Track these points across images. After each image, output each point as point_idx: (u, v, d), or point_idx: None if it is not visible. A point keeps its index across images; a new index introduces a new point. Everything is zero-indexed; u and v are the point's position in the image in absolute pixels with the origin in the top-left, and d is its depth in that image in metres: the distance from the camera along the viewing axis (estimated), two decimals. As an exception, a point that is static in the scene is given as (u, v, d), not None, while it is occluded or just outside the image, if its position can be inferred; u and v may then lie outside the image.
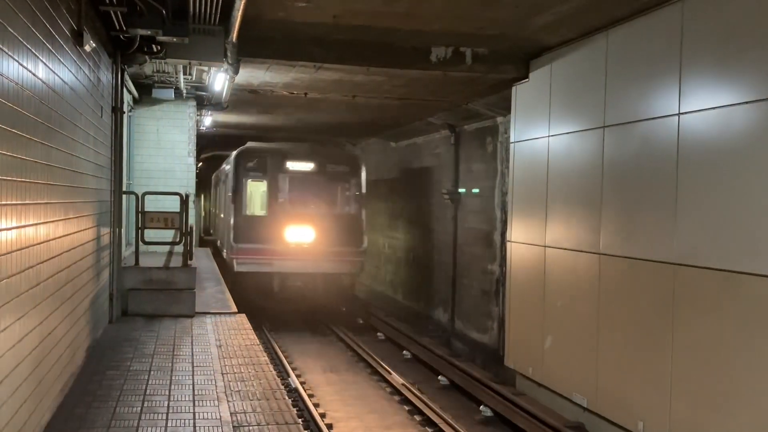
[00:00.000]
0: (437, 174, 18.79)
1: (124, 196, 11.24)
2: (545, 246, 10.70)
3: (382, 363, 13.48)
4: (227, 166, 20.16)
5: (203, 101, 15.70)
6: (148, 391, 6.97)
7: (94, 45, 7.56)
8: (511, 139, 12.02)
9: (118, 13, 8.02)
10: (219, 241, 23.67)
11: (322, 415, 10.28)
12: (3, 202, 4.46)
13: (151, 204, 11.83)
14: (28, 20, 5.05)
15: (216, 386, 7.21)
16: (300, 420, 6.42)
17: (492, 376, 12.40)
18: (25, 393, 5.16)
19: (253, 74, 12.31)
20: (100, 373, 7.61)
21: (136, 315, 10.85)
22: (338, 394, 11.98)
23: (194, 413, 6.33)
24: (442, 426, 10.05)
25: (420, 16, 9.37)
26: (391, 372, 12.78)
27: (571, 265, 9.98)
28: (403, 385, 11.99)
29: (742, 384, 6.87)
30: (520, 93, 11.75)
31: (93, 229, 8.40)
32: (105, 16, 8.26)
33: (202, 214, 39.42)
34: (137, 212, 11.48)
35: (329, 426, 9.89)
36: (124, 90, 11.22)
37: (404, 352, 15.04)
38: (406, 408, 11.20)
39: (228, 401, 6.72)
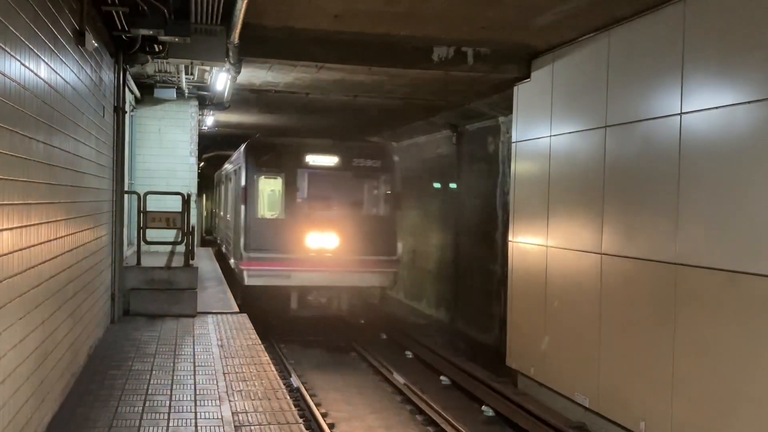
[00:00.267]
0: (438, 173, 18.80)
1: (126, 196, 11.25)
2: (547, 246, 10.70)
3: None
4: (235, 162, 17.84)
5: (205, 101, 15.71)
6: (149, 391, 6.97)
7: (96, 45, 7.56)
8: (513, 139, 12.02)
9: (120, 12, 8.03)
10: (223, 246, 21.50)
11: (324, 415, 10.27)
12: (5, 202, 4.46)
13: (153, 204, 11.83)
14: (31, 20, 5.06)
15: (218, 386, 7.22)
16: (301, 420, 6.41)
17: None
18: (27, 392, 5.16)
19: (254, 74, 12.32)
20: (102, 372, 7.61)
21: (138, 315, 10.86)
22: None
23: (196, 413, 6.33)
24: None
25: (421, 16, 9.37)
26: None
27: (572, 265, 9.98)
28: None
29: (744, 384, 6.86)
30: (521, 93, 11.75)
31: (95, 228, 8.41)
32: (107, 16, 8.27)
33: (204, 213, 39.46)
34: (139, 212, 11.49)
35: (331, 426, 9.89)
36: (126, 90, 11.22)
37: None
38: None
39: (230, 401, 6.72)
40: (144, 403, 6.57)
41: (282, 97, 14.60)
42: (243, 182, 15.15)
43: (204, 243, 30.42)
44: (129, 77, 11.84)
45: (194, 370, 7.81)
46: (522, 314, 11.52)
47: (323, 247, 14.75)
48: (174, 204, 12.03)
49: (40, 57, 5.38)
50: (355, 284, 14.99)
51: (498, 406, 10.81)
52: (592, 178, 9.54)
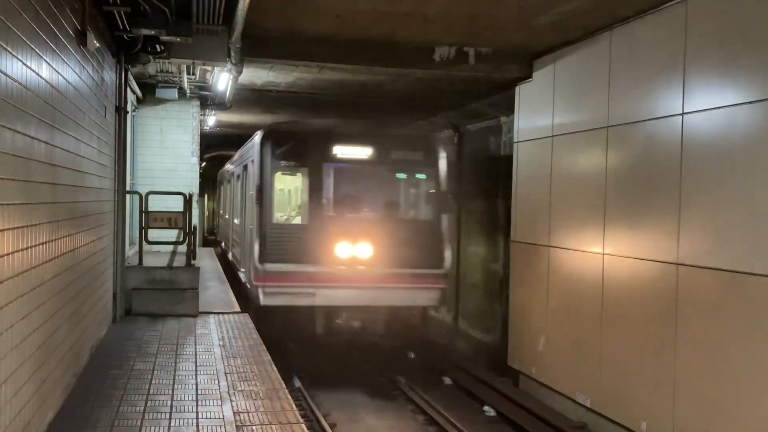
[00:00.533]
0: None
1: (127, 196, 11.26)
2: (549, 246, 10.69)
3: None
4: (245, 156, 14.98)
5: (207, 101, 15.72)
6: (151, 391, 6.98)
7: (98, 45, 7.57)
8: (515, 139, 12.01)
9: (122, 13, 8.05)
10: (230, 253, 18.74)
11: (326, 415, 10.26)
12: (6, 202, 4.46)
13: (155, 204, 11.83)
14: (32, 20, 5.06)
15: (219, 386, 7.22)
16: (303, 420, 6.41)
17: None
18: (29, 392, 5.17)
19: (256, 74, 12.33)
20: (104, 372, 7.62)
21: (140, 314, 10.86)
22: None
23: (197, 413, 6.34)
24: None
25: (423, 16, 9.37)
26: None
27: (574, 265, 9.97)
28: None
29: (746, 384, 6.85)
30: (523, 92, 11.74)
31: (96, 228, 8.41)
32: (109, 16, 8.28)
33: (206, 214, 39.51)
34: (141, 212, 11.50)
35: (332, 426, 9.87)
36: (128, 90, 11.23)
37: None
38: None
39: (231, 401, 6.72)
40: (145, 403, 6.57)
41: (283, 96, 14.60)
42: (257, 180, 12.26)
43: (206, 243, 30.46)
44: (131, 77, 11.86)
45: (196, 370, 7.81)
46: (523, 314, 11.51)
47: (355, 258, 11.90)
48: (176, 204, 12.03)
49: (41, 57, 5.39)
50: (395, 304, 12.17)
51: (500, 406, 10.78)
52: (593, 178, 9.52)
